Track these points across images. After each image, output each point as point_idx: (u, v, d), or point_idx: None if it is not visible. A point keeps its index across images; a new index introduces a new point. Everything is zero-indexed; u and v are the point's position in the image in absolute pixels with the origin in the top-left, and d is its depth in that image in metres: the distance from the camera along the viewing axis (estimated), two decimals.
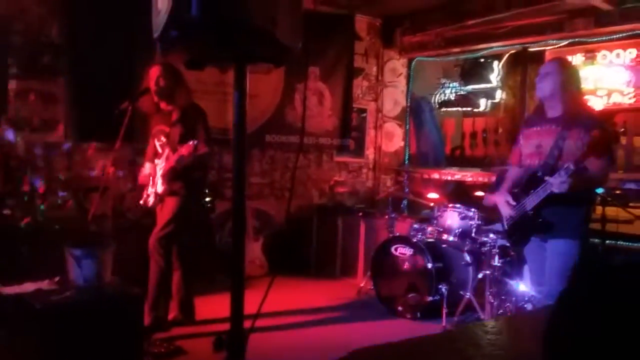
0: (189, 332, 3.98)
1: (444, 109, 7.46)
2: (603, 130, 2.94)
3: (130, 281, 3.21)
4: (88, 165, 5.01)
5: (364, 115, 7.08)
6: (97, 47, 4.71)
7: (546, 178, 3.03)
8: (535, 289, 3.35)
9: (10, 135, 4.61)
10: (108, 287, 2.92)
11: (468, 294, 4.42)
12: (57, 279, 2.93)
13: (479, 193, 5.24)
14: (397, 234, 5.01)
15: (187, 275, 4.14)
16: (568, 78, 3.21)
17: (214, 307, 4.12)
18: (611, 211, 4.29)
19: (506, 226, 3.38)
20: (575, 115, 3.12)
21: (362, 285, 5.28)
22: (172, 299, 4.13)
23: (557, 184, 2.96)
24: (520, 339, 1.11)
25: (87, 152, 5.00)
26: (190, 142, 3.70)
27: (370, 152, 7.21)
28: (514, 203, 3.25)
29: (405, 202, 6.49)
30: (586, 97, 5.19)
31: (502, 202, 3.34)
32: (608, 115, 5.49)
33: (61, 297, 2.69)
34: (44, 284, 2.86)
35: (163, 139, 4.05)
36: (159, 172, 4.00)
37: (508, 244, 3.97)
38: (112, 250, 3.16)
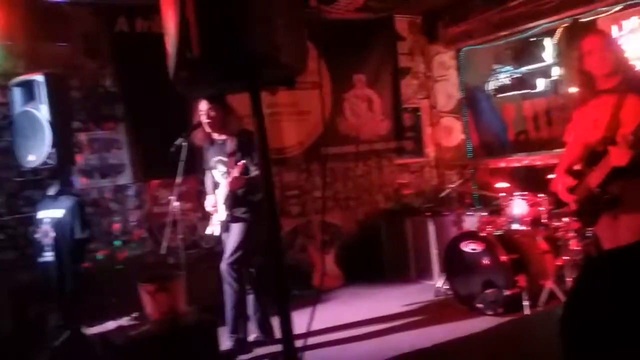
0: (271, 350, 4.06)
1: (501, 95, 7.21)
2: None
3: (206, 308, 3.33)
4: (157, 202, 5.27)
5: (419, 113, 7.00)
6: (148, 90, 4.96)
7: (606, 151, 2.89)
8: None
9: (83, 184, 4.94)
10: (183, 317, 3.05)
11: (549, 283, 4.24)
12: (135, 315, 3.09)
13: (552, 176, 5.03)
14: (466, 230, 4.89)
15: (261, 295, 4.24)
16: (613, 49, 3.06)
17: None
18: None
19: (573, 208, 3.24)
20: (629, 82, 2.97)
21: (438, 285, 5.18)
22: (249, 321, 4.24)
23: (616, 156, 2.81)
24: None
25: (154, 190, 5.26)
26: (239, 163, 3.80)
27: (430, 150, 7.10)
28: (573, 183, 3.11)
29: (474, 196, 6.34)
30: None
31: (561, 186, 3.20)
32: None
33: (139, 331, 2.83)
34: (124, 321, 3.03)
35: (222, 168, 4.18)
36: (221, 201, 4.14)
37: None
38: (183, 281, 3.30)
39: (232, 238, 4.13)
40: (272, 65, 1.46)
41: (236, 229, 4.13)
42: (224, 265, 4.11)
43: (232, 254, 4.09)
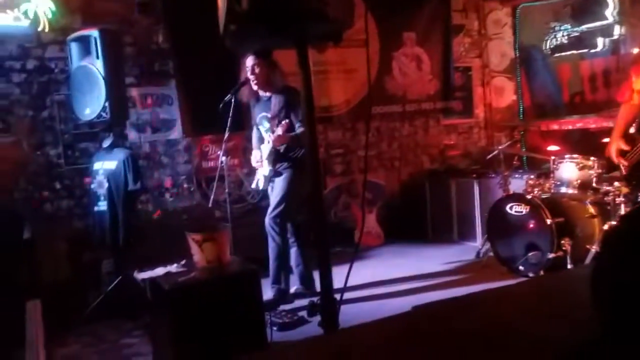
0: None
1: (557, 55, 6.95)
2: None
3: (250, 260, 3.44)
4: (205, 157, 5.41)
5: (470, 73, 6.84)
6: (199, 47, 5.03)
7: None
8: None
9: (135, 137, 5.11)
10: (228, 266, 3.17)
11: (595, 247, 4.17)
12: (183, 262, 3.24)
13: (606, 140, 4.88)
14: (512, 192, 4.83)
15: (304, 249, 4.35)
16: None
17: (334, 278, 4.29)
18: None
19: (624, 171, 3.16)
20: None
21: (480, 247, 5.17)
22: (292, 273, 4.37)
23: None
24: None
25: (203, 145, 5.39)
26: (283, 122, 3.85)
27: (480, 111, 6.96)
28: (627, 148, 3.02)
29: (523, 158, 6.21)
30: None
31: (614, 151, 3.11)
32: None
33: (187, 277, 2.98)
34: (173, 268, 3.19)
35: (267, 123, 4.25)
36: (265, 156, 4.23)
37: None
38: (229, 232, 3.42)
39: (275, 192, 4.24)
40: (319, 19, 1.47)
41: (279, 183, 4.23)
42: (267, 219, 4.23)
43: (274, 208, 4.20)
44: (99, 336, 3.88)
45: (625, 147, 3.04)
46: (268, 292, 4.15)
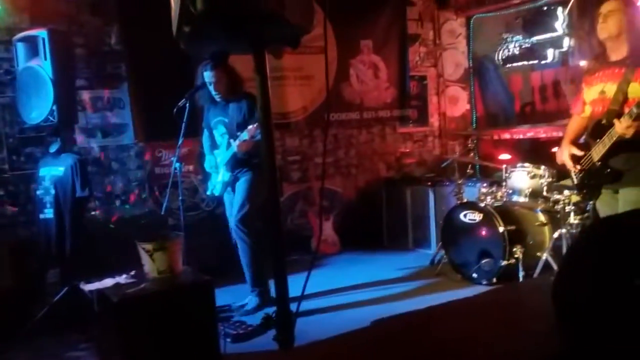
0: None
1: (509, 65, 7.12)
2: None
3: (203, 270, 3.36)
4: (159, 163, 5.27)
5: (425, 82, 6.92)
6: (153, 50, 4.90)
7: (611, 124, 2.86)
8: None
9: (84, 142, 4.93)
10: (180, 277, 3.08)
11: (545, 254, 4.26)
12: (133, 272, 3.12)
13: (555, 149, 5.01)
14: (465, 200, 4.90)
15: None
16: (633, 15, 2.96)
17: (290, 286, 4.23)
18: None
19: (576, 180, 3.23)
20: None
21: (434, 254, 5.22)
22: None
23: (621, 128, 2.78)
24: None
25: (156, 151, 5.26)
26: (251, 126, 3.79)
27: (434, 120, 7.06)
28: (580, 153, 3.09)
29: (476, 167, 6.33)
30: None
31: (567, 156, 3.18)
32: None
33: (137, 289, 2.87)
34: (122, 278, 3.07)
35: (222, 128, 4.17)
36: (222, 162, 4.15)
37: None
38: (181, 241, 3.32)
39: (237, 196, 4.15)
40: (277, 22, 1.43)
41: (239, 187, 4.15)
42: (232, 224, 4.13)
43: (239, 211, 4.10)
44: (42, 349, 3.70)
45: (578, 153, 3.11)
46: (244, 300, 4.12)
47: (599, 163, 2.99)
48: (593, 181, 3.10)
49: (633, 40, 2.94)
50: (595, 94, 3.08)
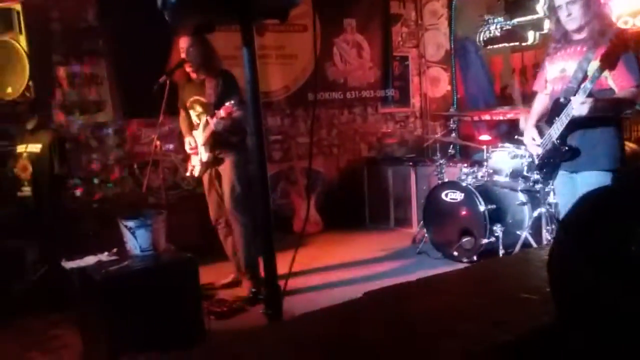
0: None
1: (490, 47, 7.14)
2: (617, 39, 2.72)
3: (185, 249, 3.33)
4: (138, 141, 5.20)
5: (407, 63, 6.92)
6: (132, 26, 4.81)
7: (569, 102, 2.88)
8: None
9: (62, 119, 4.83)
10: (163, 254, 3.06)
11: (524, 233, 4.33)
12: (115, 250, 3.09)
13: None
14: (447, 180, 4.94)
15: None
16: (585, 3, 2.91)
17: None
18: None
19: (536, 161, 3.25)
20: (602, 34, 2.88)
21: (416, 233, 5.27)
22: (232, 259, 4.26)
23: (576, 105, 2.80)
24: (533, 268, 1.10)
25: (136, 129, 5.18)
26: (227, 104, 3.72)
27: (416, 100, 7.08)
28: (540, 140, 3.12)
29: (457, 147, 6.37)
30: None
31: (528, 138, 3.21)
32: None
33: (119, 266, 2.84)
34: (104, 256, 3.04)
35: (199, 108, 4.09)
36: (200, 141, 4.08)
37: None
38: (164, 219, 3.29)
39: (225, 180, 4.07)
40: None
41: (225, 170, 4.07)
42: (229, 210, 4.06)
43: (230, 195, 4.03)
44: (23, 328, 3.66)
45: (537, 137, 3.14)
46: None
47: (558, 141, 3.02)
48: (552, 159, 3.12)
49: (593, 21, 2.93)
50: (556, 72, 3.09)
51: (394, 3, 6.70)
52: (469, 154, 6.02)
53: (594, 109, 2.78)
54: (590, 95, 2.78)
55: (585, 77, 2.87)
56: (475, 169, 4.83)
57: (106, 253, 3.09)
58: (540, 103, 3.27)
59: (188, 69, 4.03)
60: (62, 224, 4.09)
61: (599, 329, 0.73)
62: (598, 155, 2.94)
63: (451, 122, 5.71)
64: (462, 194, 4.58)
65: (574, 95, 2.85)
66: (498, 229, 4.37)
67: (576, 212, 0.81)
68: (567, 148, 2.99)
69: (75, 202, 4.58)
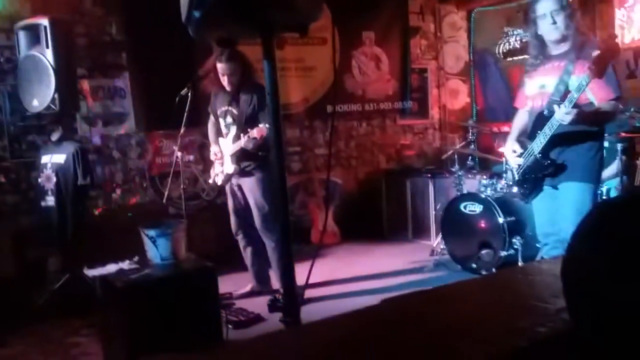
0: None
1: (509, 59, 7.14)
2: (606, 46, 2.71)
3: (206, 258, 3.37)
4: (159, 153, 5.29)
5: (425, 75, 6.94)
6: (155, 39, 4.91)
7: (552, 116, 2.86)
8: (544, 240, 3.25)
9: (85, 130, 4.93)
10: (183, 263, 3.10)
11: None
12: (135, 259, 3.14)
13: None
14: (465, 192, 4.93)
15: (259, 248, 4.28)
16: (567, 15, 2.90)
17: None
18: None
19: (517, 176, 3.21)
20: (582, 47, 2.89)
21: (435, 246, 5.25)
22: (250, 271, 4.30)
23: (561, 114, 2.78)
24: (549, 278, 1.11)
25: (157, 140, 5.27)
26: (262, 126, 3.69)
27: (435, 112, 7.08)
28: (520, 150, 3.10)
29: (475, 159, 6.35)
30: None
31: (509, 152, 3.19)
32: None
33: (140, 275, 2.89)
34: (125, 264, 3.09)
35: (229, 119, 4.12)
36: (228, 152, 4.11)
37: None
38: (184, 228, 3.33)
39: (254, 196, 4.08)
40: (287, 8, 1.44)
41: (253, 186, 4.07)
42: (259, 228, 4.09)
43: (260, 214, 4.05)
44: (44, 336, 3.72)
45: (518, 149, 3.13)
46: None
47: (539, 155, 3.00)
48: (533, 174, 3.09)
49: (573, 35, 2.92)
50: (535, 88, 3.09)
51: (413, 16, 6.74)
52: (487, 166, 5.99)
53: (578, 119, 2.77)
54: (575, 106, 2.78)
55: (567, 90, 2.86)
56: (494, 180, 4.81)
57: (127, 261, 3.14)
58: (521, 119, 3.26)
59: (229, 89, 4.05)
60: (84, 234, 4.16)
61: (614, 335, 0.74)
62: (578, 167, 2.93)
63: (470, 133, 5.71)
64: (481, 206, 4.56)
65: (559, 106, 2.84)
66: (517, 241, 4.33)
67: (589, 218, 0.82)
68: (549, 162, 2.98)
69: (97, 213, 4.66)
